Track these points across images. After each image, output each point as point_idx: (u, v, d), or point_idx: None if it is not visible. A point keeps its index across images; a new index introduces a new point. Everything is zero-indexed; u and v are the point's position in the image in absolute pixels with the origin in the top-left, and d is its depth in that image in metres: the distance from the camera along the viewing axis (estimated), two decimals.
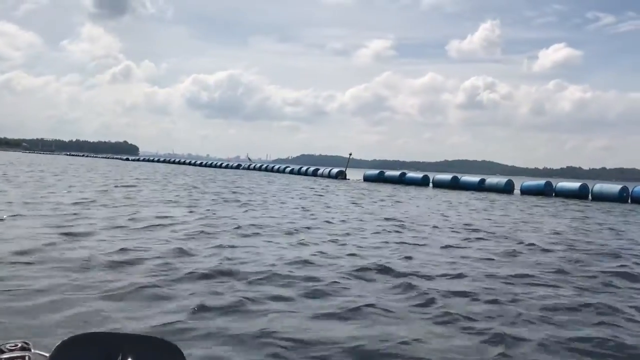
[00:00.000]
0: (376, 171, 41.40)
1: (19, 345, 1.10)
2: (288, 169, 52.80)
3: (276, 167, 57.66)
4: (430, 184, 36.98)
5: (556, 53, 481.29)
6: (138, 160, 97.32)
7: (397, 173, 40.07)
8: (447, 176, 37.69)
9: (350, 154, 45.20)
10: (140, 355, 0.95)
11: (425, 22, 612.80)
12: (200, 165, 76.33)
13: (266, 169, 58.10)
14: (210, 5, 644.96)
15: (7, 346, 1.10)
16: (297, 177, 44.25)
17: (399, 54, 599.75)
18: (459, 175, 36.98)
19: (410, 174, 39.91)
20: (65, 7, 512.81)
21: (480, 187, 33.96)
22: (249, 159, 79.17)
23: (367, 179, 40.33)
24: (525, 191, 31.72)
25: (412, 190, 29.68)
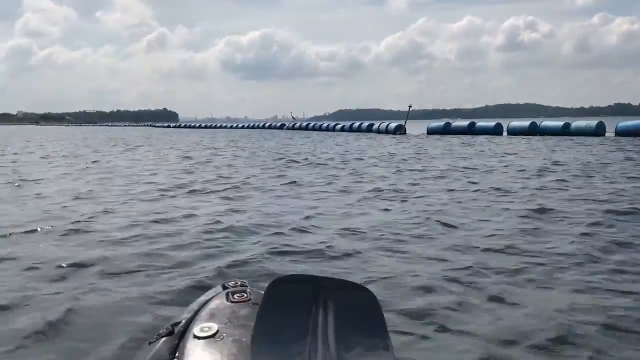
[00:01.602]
0: (441, 122, 37.56)
1: (239, 283, 1.29)
2: (338, 127, 49.35)
3: (324, 125, 54.08)
4: (505, 132, 33.19)
5: None
6: (178, 127, 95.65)
7: (464, 123, 36.10)
8: (524, 122, 33.68)
9: (410, 106, 41.20)
10: (340, 297, 1.05)
11: None
12: (243, 127, 73.92)
13: (314, 128, 54.65)
14: None
15: (230, 283, 1.29)
16: (352, 134, 40.94)
17: None
18: (537, 121, 32.94)
19: (481, 123, 35.92)
20: None
21: (564, 132, 29.99)
22: (293, 117, 75.87)
23: (431, 132, 36.69)
24: (622, 132, 27.57)
25: (518, 143, 26.02)
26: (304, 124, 60.63)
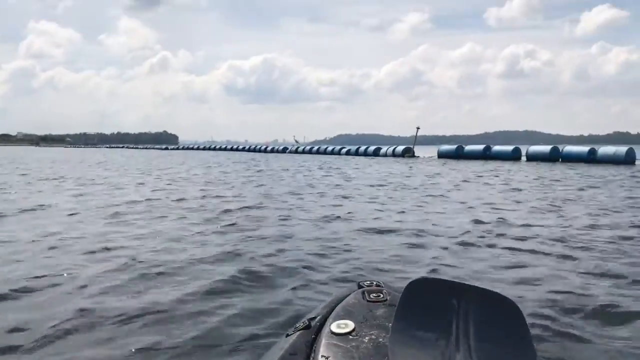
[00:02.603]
0: (453, 146, 35.42)
1: (375, 283, 1.30)
2: (344, 150, 47.25)
3: (329, 148, 51.95)
4: (523, 158, 31.04)
5: (600, 15, 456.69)
6: (177, 149, 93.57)
7: (480, 147, 33.93)
8: (544, 148, 31.58)
9: (418, 128, 39.30)
10: (482, 306, 1.00)
11: None
12: (243, 150, 71.78)
13: (318, 152, 52.50)
14: None
15: (365, 283, 1.30)
16: (358, 158, 38.72)
17: (435, 26, 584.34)
18: (559, 146, 30.78)
19: (497, 148, 33.77)
20: (102, 1, 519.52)
21: (590, 159, 27.76)
22: (296, 141, 74.13)
23: (442, 155, 34.59)
24: None
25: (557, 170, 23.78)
26: (307, 147, 58.50)
